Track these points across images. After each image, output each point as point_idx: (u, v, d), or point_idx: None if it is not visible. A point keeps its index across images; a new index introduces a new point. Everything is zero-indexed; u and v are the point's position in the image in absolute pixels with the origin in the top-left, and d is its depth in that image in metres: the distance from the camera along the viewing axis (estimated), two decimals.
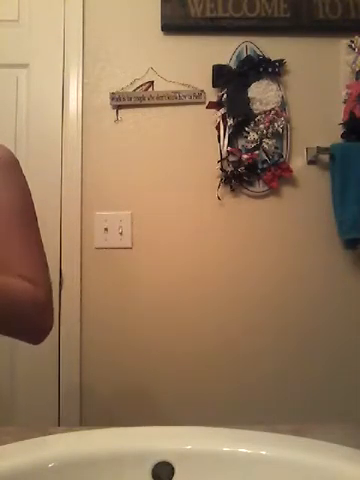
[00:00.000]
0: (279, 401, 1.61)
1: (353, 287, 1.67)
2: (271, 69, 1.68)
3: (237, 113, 1.65)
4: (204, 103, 1.70)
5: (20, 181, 0.83)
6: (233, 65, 1.69)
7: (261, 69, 1.68)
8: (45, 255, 0.82)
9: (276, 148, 1.67)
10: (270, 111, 1.66)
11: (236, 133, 1.67)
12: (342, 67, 1.72)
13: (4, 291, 0.71)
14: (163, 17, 1.70)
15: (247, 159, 1.64)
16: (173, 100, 1.69)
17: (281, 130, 1.66)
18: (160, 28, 1.71)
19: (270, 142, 1.66)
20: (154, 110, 1.70)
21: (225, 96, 1.67)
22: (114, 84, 1.71)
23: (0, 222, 0.77)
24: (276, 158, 1.67)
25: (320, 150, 1.65)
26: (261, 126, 1.65)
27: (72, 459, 0.47)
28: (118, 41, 1.73)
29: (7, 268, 0.75)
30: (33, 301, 0.75)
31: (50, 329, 0.81)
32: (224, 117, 1.67)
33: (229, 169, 1.65)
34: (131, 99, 1.69)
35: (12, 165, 0.83)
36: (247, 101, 1.66)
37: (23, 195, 0.82)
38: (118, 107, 1.70)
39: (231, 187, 1.66)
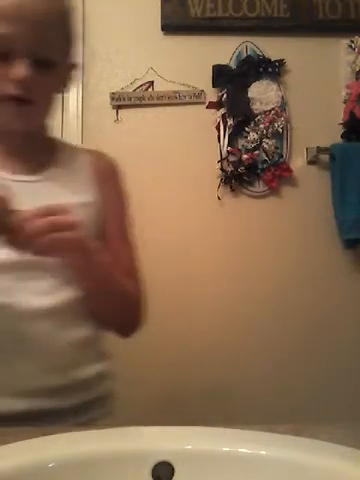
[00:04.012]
0: (279, 400, 1.61)
1: (353, 287, 1.67)
2: (271, 69, 1.68)
3: (237, 113, 1.65)
4: (204, 103, 1.70)
5: (123, 188, 0.88)
6: (233, 65, 1.69)
7: (261, 69, 1.68)
8: None
9: (276, 148, 1.67)
10: (270, 111, 1.66)
11: (236, 133, 1.67)
12: (342, 67, 1.72)
13: (136, 295, 0.84)
14: (163, 17, 1.70)
15: (247, 159, 1.64)
16: (173, 100, 1.69)
17: (281, 130, 1.66)
18: (160, 28, 1.71)
19: (270, 142, 1.66)
20: (154, 110, 1.70)
21: (225, 96, 1.67)
22: (114, 84, 1.70)
23: (114, 229, 0.82)
24: (276, 158, 1.67)
25: (320, 150, 1.65)
26: (261, 126, 1.65)
27: (72, 459, 0.47)
28: (118, 41, 1.73)
29: (125, 271, 0.81)
30: (143, 301, 0.87)
31: None
32: (224, 117, 1.67)
33: (229, 169, 1.65)
34: (131, 99, 1.69)
35: (115, 174, 0.88)
36: (247, 101, 1.66)
37: (126, 202, 0.88)
38: (118, 107, 1.70)
39: (231, 187, 1.66)
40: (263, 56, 1.69)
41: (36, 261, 0.65)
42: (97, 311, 0.77)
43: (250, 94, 1.67)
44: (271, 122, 1.65)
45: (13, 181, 0.70)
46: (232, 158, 1.66)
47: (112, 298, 0.77)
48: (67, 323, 0.72)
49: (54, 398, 0.68)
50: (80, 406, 0.71)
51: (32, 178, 0.74)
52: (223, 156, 1.66)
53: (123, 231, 0.85)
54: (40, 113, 0.73)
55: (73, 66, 0.77)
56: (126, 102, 1.69)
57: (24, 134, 0.74)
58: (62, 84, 0.77)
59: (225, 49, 1.70)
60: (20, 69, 0.64)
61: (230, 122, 1.66)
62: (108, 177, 0.85)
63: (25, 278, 0.69)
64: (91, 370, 0.74)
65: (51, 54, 0.68)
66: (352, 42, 1.71)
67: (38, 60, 0.66)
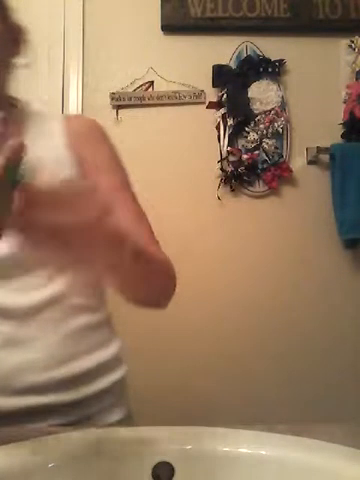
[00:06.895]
0: (279, 401, 1.61)
1: (353, 287, 1.67)
2: (271, 69, 1.68)
3: (237, 113, 1.65)
4: (204, 103, 1.70)
5: (111, 146, 0.85)
6: (233, 65, 1.69)
7: (261, 69, 1.68)
8: None
9: (276, 148, 1.67)
10: (270, 111, 1.66)
11: (236, 133, 1.67)
12: (342, 67, 1.72)
13: (165, 265, 0.77)
14: (163, 17, 1.69)
15: (247, 159, 1.64)
16: (173, 100, 1.69)
17: (281, 130, 1.66)
18: (160, 28, 1.71)
19: (270, 142, 1.66)
20: (154, 110, 1.70)
21: (225, 96, 1.67)
22: (114, 84, 1.70)
23: (114, 185, 0.77)
24: (276, 158, 1.67)
25: (320, 150, 1.65)
26: (261, 126, 1.65)
27: (72, 459, 0.47)
28: (118, 41, 1.73)
29: (145, 240, 0.76)
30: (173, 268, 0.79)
31: None
32: (224, 117, 1.67)
33: (229, 169, 1.65)
34: (131, 99, 1.69)
35: (94, 133, 0.83)
36: (247, 101, 1.66)
37: (119, 159, 0.84)
38: (118, 107, 1.70)
39: (231, 187, 1.66)
40: (263, 56, 1.69)
41: (21, 256, 0.59)
42: (128, 286, 0.69)
43: (250, 94, 1.67)
44: (271, 122, 1.65)
45: None
46: (232, 158, 1.65)
47: (142, 267, 0.65)
48: (61, 315, 0.69)
49: (50, 393, 0.66)
50: (80, 401, 0.68)
51: None
52: (223, 156, 1.66)
53: (126, 187, 0.79)
54: None
55: (18, 29, 0.74)
56: (126, 102, 1.69)
57: None
58: (10, 48, 0.75)
59: (225, 49, 1.70)
60: None
61: (230, 122, 1.66)
62: (88, 138, 0.81)
63: (8, 276, 0.66)
64: (90, 362, 0.71)
65: None
66: (352, 42, 1.70)
67: None
